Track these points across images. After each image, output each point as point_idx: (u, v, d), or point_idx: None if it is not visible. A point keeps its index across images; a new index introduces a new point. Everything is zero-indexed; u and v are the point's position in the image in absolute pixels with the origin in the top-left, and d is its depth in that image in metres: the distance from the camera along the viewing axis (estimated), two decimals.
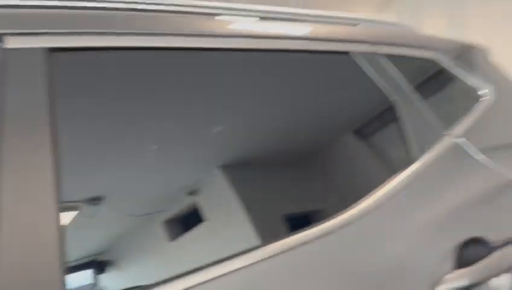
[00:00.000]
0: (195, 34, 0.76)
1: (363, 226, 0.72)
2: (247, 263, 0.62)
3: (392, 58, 0.95)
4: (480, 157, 0.89)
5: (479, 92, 1.04)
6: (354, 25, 1.04)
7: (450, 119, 0.93)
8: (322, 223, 0.71)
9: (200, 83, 0.75)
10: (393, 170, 0.81)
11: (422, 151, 0.84)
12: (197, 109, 0.74)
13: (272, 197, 0.75)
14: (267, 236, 0.67)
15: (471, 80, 1.07)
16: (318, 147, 0.86)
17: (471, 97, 1.04)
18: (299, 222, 0.73)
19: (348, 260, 0.69)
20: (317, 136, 0.86)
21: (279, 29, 0.89)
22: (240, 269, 0.61)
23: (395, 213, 0.75)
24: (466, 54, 1.15)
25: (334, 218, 0.71)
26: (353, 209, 0.73)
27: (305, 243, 0.68)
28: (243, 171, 0.74)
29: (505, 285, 0.76)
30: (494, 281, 0.75)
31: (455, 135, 0.89)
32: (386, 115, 0.90)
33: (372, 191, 0.76)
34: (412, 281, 0.72)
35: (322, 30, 0.96)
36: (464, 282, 0.73)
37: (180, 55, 0.74)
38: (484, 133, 0.96)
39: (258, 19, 0.89)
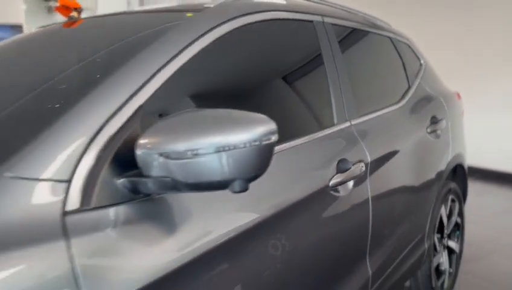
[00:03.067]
0: None
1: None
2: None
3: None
4: (425, 86, 2.38)
5: (421, 61, 2.53)
6: None
7: (414, 73, 2.38)
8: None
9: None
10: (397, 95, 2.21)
11: (412, 85, 2.27)
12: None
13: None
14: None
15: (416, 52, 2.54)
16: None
17: (417, 63, 2.51)
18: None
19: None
20: None
21: None
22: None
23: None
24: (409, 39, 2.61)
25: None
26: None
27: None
28: None
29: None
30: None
31: (418, 80, 2.36)
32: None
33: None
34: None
35: None
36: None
37: None
38: (425, 79, 2.45)
39: None
